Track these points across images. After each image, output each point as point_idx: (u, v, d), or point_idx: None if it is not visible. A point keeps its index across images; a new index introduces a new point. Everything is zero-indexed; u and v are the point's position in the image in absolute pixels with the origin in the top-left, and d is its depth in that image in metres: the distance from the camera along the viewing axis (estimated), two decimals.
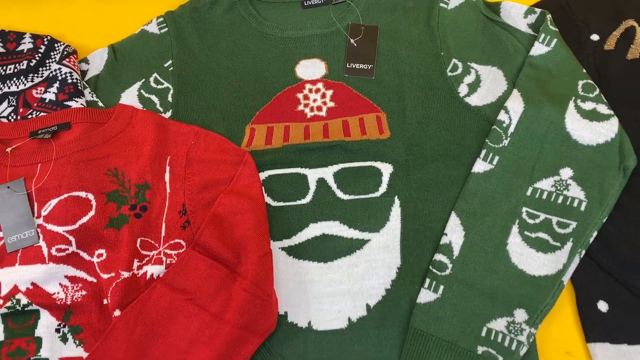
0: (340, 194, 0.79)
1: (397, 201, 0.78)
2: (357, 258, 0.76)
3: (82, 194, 0.76)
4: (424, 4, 0.88)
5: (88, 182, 0.76)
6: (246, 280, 0.70)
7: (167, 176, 0.78)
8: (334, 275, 0.75)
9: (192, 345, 0.69)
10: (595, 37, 0.86)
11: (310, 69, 0.86)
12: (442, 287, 0.72)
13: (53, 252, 0.74)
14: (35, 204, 0.76)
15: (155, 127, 0.81)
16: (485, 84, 0.83)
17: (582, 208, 0.74)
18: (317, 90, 0.85)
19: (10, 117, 0.85)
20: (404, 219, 0.77)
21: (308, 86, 0.85)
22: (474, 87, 0.83)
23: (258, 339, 0.70)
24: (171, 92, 0.86)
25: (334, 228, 0.77)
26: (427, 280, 0.73)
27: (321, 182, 0.80)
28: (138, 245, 0.75)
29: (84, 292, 0.74)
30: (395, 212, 0.78)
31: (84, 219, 0.75)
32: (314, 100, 0.84)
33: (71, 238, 0.74)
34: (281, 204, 0.79)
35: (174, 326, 0.70)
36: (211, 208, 0.76)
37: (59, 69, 0.85)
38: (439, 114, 0.82)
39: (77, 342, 0.72)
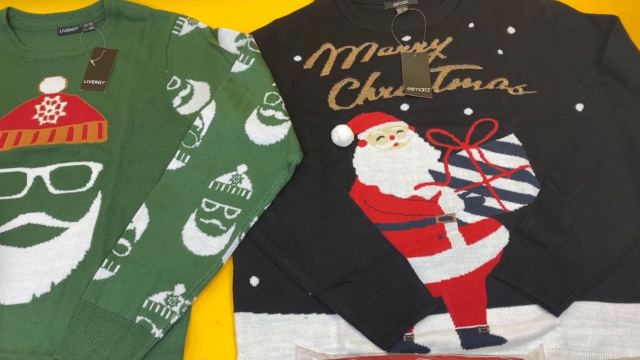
0: (52, 189, 0.90)
1: (99, 195, 0.89)
2: (53, 243, 0.86)
3: None
4: (160, 31, 1.02)
5: None
6: None
7: None
8: (30, 258, 0.85)
9: None
10: (297, 57, 1.00)
11: (52, 84, 0.99)
12: (118, 266, 0.82)
13: None
14: None
15: None
16: (196, 97, 0.96)
17: (248, 197, 0.85)
18: (54, 102, 0.98)
19: None
20: (102, 210, 0.87)
21: (47, 99, 0.98)
22: (186, 99, 0.96)
23: None
24: None
25: (40, 218, 0.88)
26: (106, 261, 0.83)
27: (38, 179, 0.91)
28: None
29: None
30: (96, 204, 0.88)
31: None
32: (49, 111, 0.97)
33: None
34: (0, 198, 0.90)
35: None
36: None
37: None
38: (154, 121, 0.95)
39: None
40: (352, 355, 0.72)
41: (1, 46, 1.03)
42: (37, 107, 0.97)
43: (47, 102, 0.98)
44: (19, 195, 0.89)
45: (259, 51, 0.97)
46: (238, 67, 0.96)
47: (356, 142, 0.91)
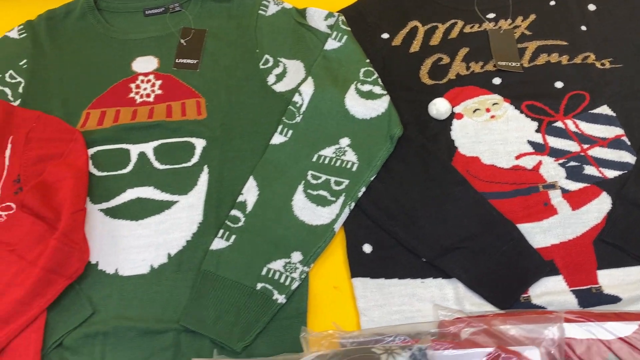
0: (157, 164, 0.92)
1: (205, 169, 0.91)
2: (164, 216, 0.87)
3: None
4: (247, 11, 1.04)
5: None
6: (58, 231, 0.82)
7: (7, 152, 0.91)
8: (143, 231, 0.87)
9: (7, 287, 0.79)
10: (385, 35, 1.02)
11: (144, 64, 1.01)
12: (233, 236, 0.84)
13: None
14: None
15: (2, 113, 0.93)
16: (290, 74, 0.98)
17: (354, 169, 0.87)
18: (148, 81, 0.99)
19: None
20: (210, 183, 0.90)
21: (141, 77, 1.00)
22: (280, 76, 0.98)
23: (65, 280, 0.80)
24: (22, 85, 0.99)
25: (148, 192, 0.89)
26: (221, 231, 0.85)
27: (142, 155, 0.92)
28: None
29: None
30: (203, 178, 0.90)
31: None
32: (144, 89, 0.98)
33: None
34: (105, 173, 0.91)
35: None
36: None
37: None
38: (250, 98, 0.97)
39: None
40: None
41: (90, 28, 1.05)
42: (132, 85, 0.99)
43: (142, 81, 0.99)
44: (124, 171, 0.91)
45: (349, 29, 0.99)
46: (331, 44, 0.98)
47: (452, 115, 0.94)
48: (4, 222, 0.84)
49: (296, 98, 0.94)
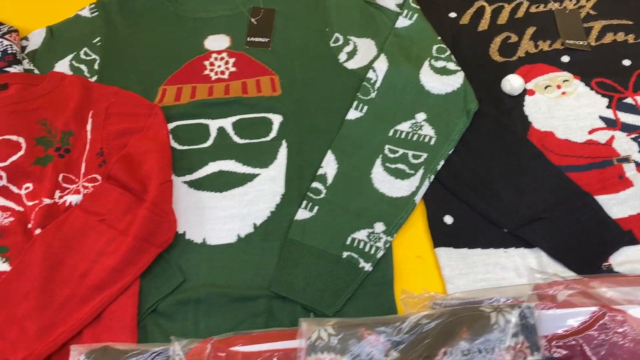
0: (236, 139, 0.94)
1: (284, 144, 0.93)
2: (247, 188, 0.90)
3: (14, 138, 0.89)
4: None
5: (20, 128, 0.90)
6: (148, 201, 0.84)
7: (88, 126, 0.92)
8: (227, 202, 0.89)
9: (100, 256, 0.81)
10: (453, 14, 1.04)
11: (216, 42, 1.03)
12: (316, 207, 0.86)
13: None
14: None
15: (81, 88, 0.95)
16: (361, 52, 1.00)
17: (432, 143, 0.89)
18: (222, 59, 1.01)
19: None
20: (289, 157, 0.92)
21: (214, 55, 1.01)
22: (351, 54, 1.00)
23: (156, 249, 0.82)
24: (97, 62, 1.01)
25: (230, 165, 0.92)
26: (304, 202, 0.87)
27: (221, 130, 0.94)
28: (60, 179, 0.88)
29: (11, 219, 0.86)
30: (282, 152, 0.92)
31: (14, 157, 0.88)
32: (219, 66, 1.00)
33: (2, 173, 0.87)
34: (185, 147, 0.93)
35: (86, 241, 0.83)
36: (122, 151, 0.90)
37: (1, 42, 0.99)
38: (322, 76, 0.99)
39: (4, 259, 0.84)
40: None
41: (160, 6, 1.07)
42: (206, 63, 1.01)
43: (216, 59, 1.01)
44: (205, 145, 0.93)
45: (419, 7, 1.01)
46: (402, 22, 1.00)
47: (524, 92, 0.96)
48: (91, 194, 0.86)
49: (370, 74, 0.96)
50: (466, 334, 0.64)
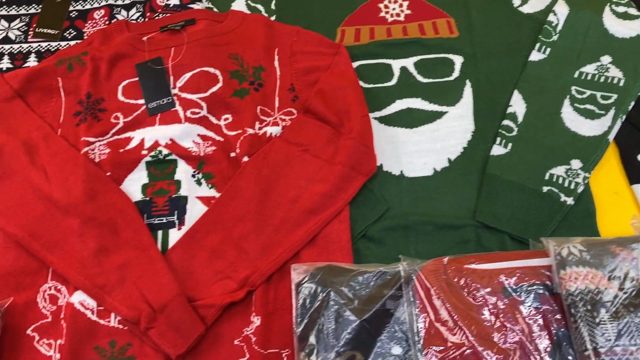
0: (420, 78, 0.95)
1: (468, 83, 0.95)
2: (437, 125, 0.92)
3: (211, 70, 0.92)
4: None
5: (215, 61, 0.92)
6: (352, 132, 0.86)
7: (276, 63, 0.94)
8: (419, 137, 0.91)
9: (309, 183, 0.84)
10: None
11: None
12: (510, 144, 0.88)
13: (188, 114, 0.89)
14: (172, 78, 0.92)
15: (264, 26, 0.97)
16: None
17: (621, 84, 0.91)
18: (395, 1, 1.03)
19: (138, 20, 1.01)
20: (475, 96, 0.94)
21: None
22: (525, 0, 1.02)
23: (363, 177, 0.85)
24: (274, 1, 1.03)
25: (417, 103, 0.94)
26: (498, 139, 0.89)
27: (404, 69, 0.96)
28: (258, 111, 0.90)
29: (213, 148, 0.88)
30: (468, 91, 0.94)
31: (214, 89, 0.90)
32: (393, 9, 1.02)
33: (203, 104, 0.90)
34: (371, 85, 0.95)
35: (292, 169, 0.85)
36: (315, 87, 0.92)
37: None
38: (498, 19, 1.00)
39: (210, 185, 0.87)
40: None
41: None
42: (381, 5, 1.02)
43: (390, 1, 1.03)
44: (390, 83, 0.95)
45: None
46: None
47: None
48: (290, 126, 0.88)
49: (551, 17, 0.97)
50: None
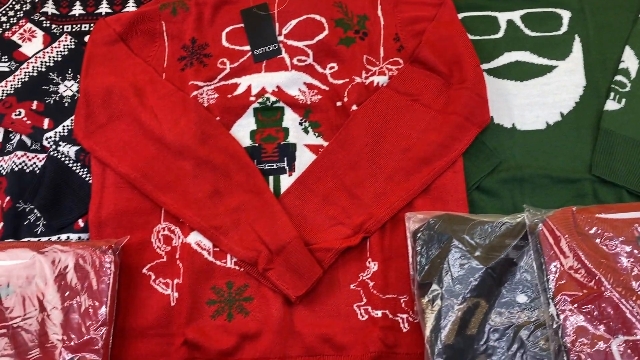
0: (527, 31, 0.93)
1: (577, 38, 0.92)
2: (547, 79, 0.89)
3: (317, 17, 0.90)
4: None
5: (320, 8, 0.91)
6: (465, 82, 0.84)
7: (379, 12, 0.92)
8: (530, 91, 0.89)
9: (422, 133, 0.82)
10: None
11: None
12: (624, 99, 0.86)
13: (294, 62, 0.88)
14: (277, 25, 0.90)
15: None
16: None
17: None
18: None
19: None
20: (585, 51, 0.91)
21: None
22: None
23: (476, 128, 0.83)
24: None
25: (526, 56, 0.91)
26: (612, 94, 0.86)
27: (510, 22, 0.94)
28: (364, 60, 0.88)
29: (319, 96, 0.87)
30: (577, 46, 0.92)
31: (320, 36, 0.89)
32: None
33: (309, 51, 0.88)
34: (478, 37, 0.93)
35: (403, 118, 0.84)
36: (420, 37, 0.90)
37: None
38: None
39: (317, 134, 0.86)
40: None
41: None
42: None
43: None
44: (496, 36, 0.93)
45: None
46: None
47: None
48: (398, 75, 0.87)
49: None
50: None
